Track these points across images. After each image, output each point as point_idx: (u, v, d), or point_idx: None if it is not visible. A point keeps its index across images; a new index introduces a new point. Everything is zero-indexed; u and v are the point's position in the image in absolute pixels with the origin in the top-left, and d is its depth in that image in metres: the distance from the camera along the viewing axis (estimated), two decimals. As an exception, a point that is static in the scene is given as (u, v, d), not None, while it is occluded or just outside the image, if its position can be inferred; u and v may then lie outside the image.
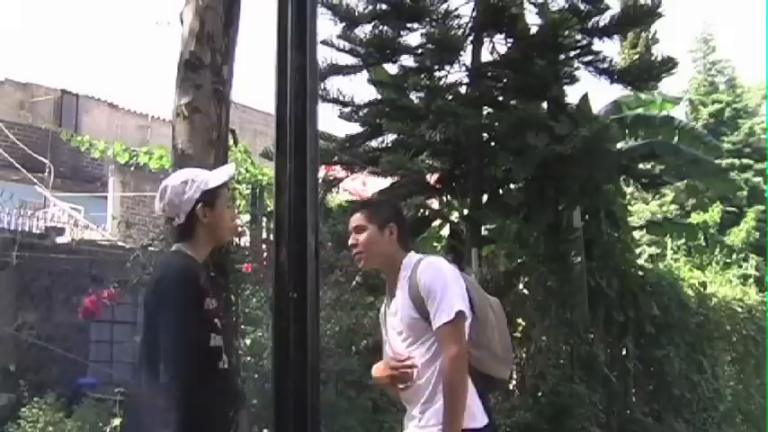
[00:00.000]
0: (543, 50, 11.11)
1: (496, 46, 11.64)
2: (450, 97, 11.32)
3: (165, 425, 3.50)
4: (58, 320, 12.44)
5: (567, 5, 11.24)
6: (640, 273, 13.01)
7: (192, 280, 3.67)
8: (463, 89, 11.65)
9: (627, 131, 13.23)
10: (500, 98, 11.87)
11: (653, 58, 12.35)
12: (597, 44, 11.39)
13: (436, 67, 11.46)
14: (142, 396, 3.76)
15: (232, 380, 4.25)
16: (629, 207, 16.18)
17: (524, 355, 10.62)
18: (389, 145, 11.71)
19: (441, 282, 4.06)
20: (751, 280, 19.58)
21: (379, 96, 12.08)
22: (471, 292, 4.19)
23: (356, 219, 4.42)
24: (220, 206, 3.89)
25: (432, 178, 12.04)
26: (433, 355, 4.05)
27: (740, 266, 20.68)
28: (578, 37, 11.24)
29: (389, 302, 4.35)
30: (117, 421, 6.69)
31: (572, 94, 12.28)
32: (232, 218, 4.18)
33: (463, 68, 11.44)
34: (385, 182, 12.46)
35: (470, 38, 11.35)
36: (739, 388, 15.77)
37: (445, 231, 12.65)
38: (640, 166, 12.92)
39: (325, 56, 11.10)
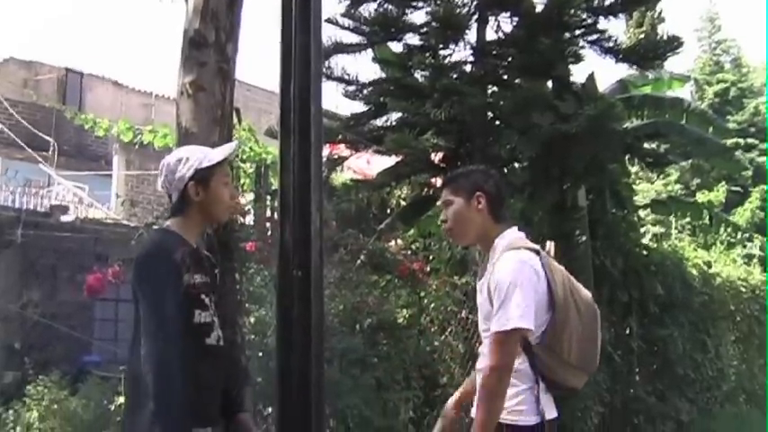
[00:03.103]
0: (548, 29, 11.05)
1: (501, 24, 11.60)
2: (455, 76, 11.31)
3: (146, 400, 3.54)
4: (62, 299, 12.47)
5: (572, -16, 11.19)
6: (645, 252, 13.01)
7: (165, 256, 3.69)
8: (468, 68, 11.62)
9: (634, 111, 13.20)
10: (505, 77, 11.84)
11: (658, 37, 12.31)
12: (602, 23, 11.35)
13: (441, 46, 11.43)
14: (131, 373, 3.81)
15: (227, 357, 4.26)
16: (633, 186, 16.15)
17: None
18: (394, 124, 11.70)
19: (507, 286, 3.76)
20: (755, 260, 19.59)
21: (384, 75, 12.06)
22: (555, 289, 3.84)
23: (444, 193, 4.18)
24: (215, 184, 3.90)
25: (436, 157, 12.02)
26: None
27: (744, 246, 20.70)
28: (584, 15, 11.19)
29: (481, 276, 4.10)
30: (122, 399, 6.69)
31: (577, 74, 12.25)
32: (232, 196, 4.17)
33: (468, 47, 11.41)
34: (389, 160, 12.45)
35: (475, 16, 11.31)
36: (743, 368, 15.80)
37: (450, 210, 12.62)
38: (645, 145, 12.89)
39: (329, 34, 11.09)
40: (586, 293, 4.01)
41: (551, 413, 3.93)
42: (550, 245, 4.00)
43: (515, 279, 3.78)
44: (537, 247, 4.04)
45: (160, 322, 3.58)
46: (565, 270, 4.03)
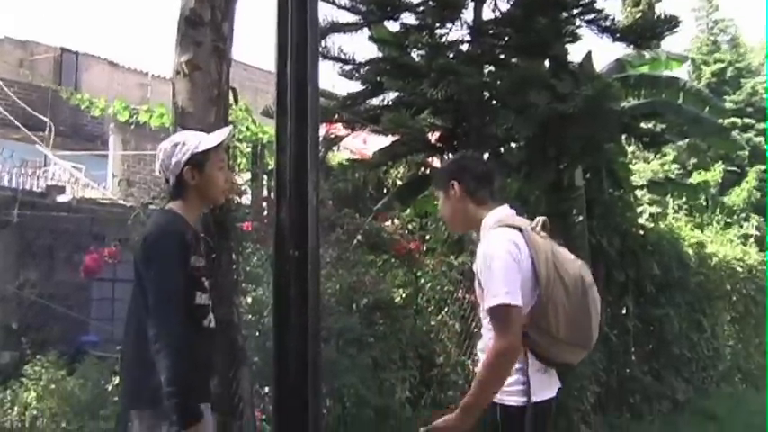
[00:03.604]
0: (545, 8, 11.03)
1: (498, 3, 11.58)
2: (452, 55, 11.29)
3: (154, 379, 3.58)
4: (59, 278, 12.46)
5: (569, -38, 11.17)
6: (641, 232, 13.01)
7: (177, 236, 3.75)
8: (465, 47, 11.60)
9: (631, 91, 13.19)
10: (502, 56, 11.82)
11: (655, 17, 12.27)
12: (600, 2, 11.34)
13: (437, 25, 11.41)
14: (131, 351, 3.83)
15: (220, 338, 4.31)
16: (630, 166, 16.14)
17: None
18: (390, 103, 11.70)
19: (487, 264, 3.82)
20: (751, 240, 19.59)
21: (381, 54, 12.04)
22: (539, 266, 3.82)
23: (433, 191, 4.28)
24: (210, 169, 3.96)
25: (433, 137, 12.02)
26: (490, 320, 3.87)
27: (741, 226, 20.71)
28: (581, -6, 11.18)
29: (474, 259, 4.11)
30: (118, 379, 6.71)
31: (574, 53, 12.23)
32: (226, 180, 4.20)
33: (465, 26, 11.39)
34: (386, 140, 12.44)
35: (472, -5, 11.30)
36: (738, 347, 15.86)
37: (446, 190, 12.62)
38: (642, 125, 12.88)
39: (325, 13, 11.05)
40: (575, 269, 3.96)
41: (546, 393, 3.96)
42: (539, 219, 3.93)
43: (497, 256, 3.81)
44: (522, 223, 4.04)
45: (170, 303, 3.62)
46: (554, 246, 4.01)
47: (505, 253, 3.81)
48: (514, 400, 3.84)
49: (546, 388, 3.96)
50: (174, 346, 3.55)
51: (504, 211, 4.12)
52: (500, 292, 3.73)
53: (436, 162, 12.59)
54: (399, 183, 12.94)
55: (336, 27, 11.38)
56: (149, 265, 3.71)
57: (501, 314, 3.74)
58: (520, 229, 3.96)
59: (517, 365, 3.83)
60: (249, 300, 7.25)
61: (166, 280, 3.66)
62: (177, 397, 3.54)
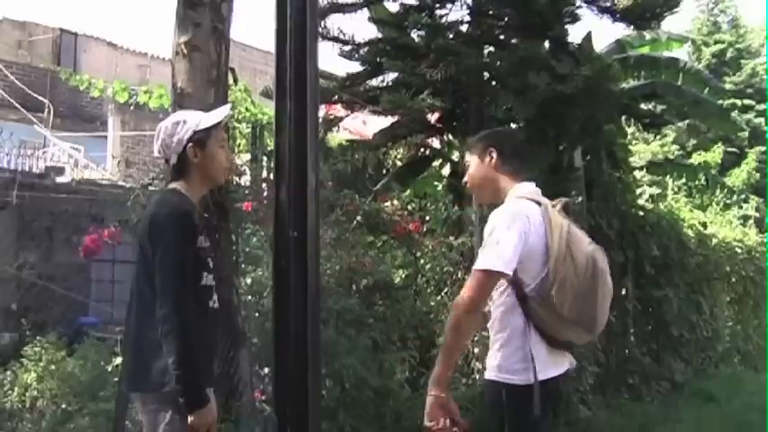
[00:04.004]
0: (545, -12, 11.00)
1: (498, -17, 11.55)
2: (451, 36, 11.26)
3: (160, 362, 3.57)
4: (58, 260, 12.48)
5: (569, -58, 11.13)
6: (641, 213, 13.00)
7: (186, 216, 3.72)
8: (464, 28, 11.57)
9: (631, 72, 13.17)
10: (501, 37, 11.79)
11: (656, -3, 12.24)
12: (600, -18, 11.29)
13: (437, 6, 11.38)
14: (135, 333, 3.81)
15: (223, 319, 4.30)
16: (630, 147, 16.13)
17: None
18: (390, 84, 11.66)
19: (492, 229, 3.87)
20: (751, 221, 19.62)
21: (380, 35, 12.00)
22: (551, 242, 3.85)
23: (466, 155, 4.37)
24: (212, 147, 3.92)
25: (432, 117, 12.00)
26: (500, 293, 3.94)
27: (740, 207, 20.75)
28: (581, -26, 11.15)
29: None
30: (118, 360, 6.72)
31: (574, 34, 12.21)
32: (227, 159, 4.17)
33: (464, 6, 11.37)
34: (385, 121, 12.42)
35: (472, -25, 11.27)
36: (737, 328, 15.89)
37: (446, 171, 12.64)
38: (642, 106, 12.87)
39: (325, -6, 11.02)
40: (588, 250, 3.96)
41: (552, 371, 3.94)
42: (562, 199, 3.96)
43: (502, 224, 3.85)
44: (542, 199, 4.09)
45: (180, 284, 3.60)
46: (570, 225, 4.02)
47: (513, 224, 3.84)
48: (519, 378, 3.84)
49: (551, 366, 3.94)
50: (184, 328, 3.52)
51: (530, 187, 4.16)
52: (491, 256, 3.79)
53: (435, 143, 12.58)
54: (399, 163, 12.93)
55: (336, 7, 11.35)
56: (157, 245, 3.65)
57: (482, 277, 3.80)
58: (539, 204, 4.02)
59: (521, 342, 3.85)
60: (248, 280, 7.25)
61: (176, 260, 3.61)
62: (186, 380, 3.53)
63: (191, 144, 3.85)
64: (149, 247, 3.69)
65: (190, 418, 3.56)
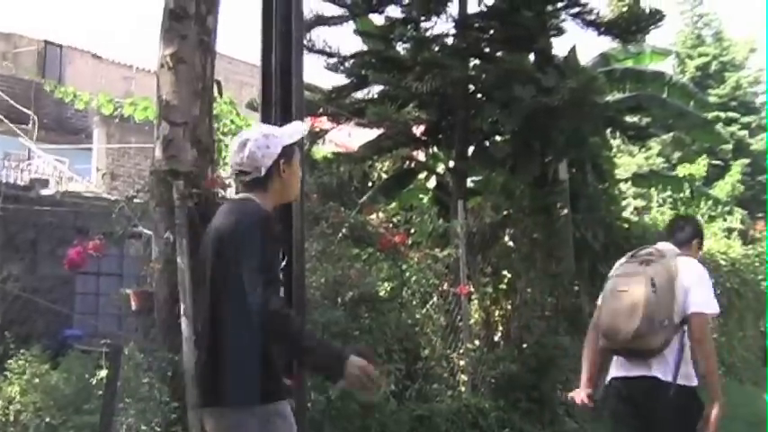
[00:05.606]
0: (530, 2, 11.07)
1: (483, -3, 11.59)
2: (437, 48, 11.31)
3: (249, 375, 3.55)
4: (43, 272, 12.41)
5: (554, -44, 11.19)
6: (626, 225, 13.05)
7: (272, 220, 3.70)
8: (450, 40, 11.62)
9: (616, 84, 13.23)
10: (487, 50, 11.84)
11: (640, 11, 12.31)
12: (585, -4, 11.35)
13: (423, 18, 11.42)
14: (213, 351, 3.67)
15: None
16: (615, 159, 16.18)
17: (509, 306, 10.65)
18: (375, 96, 11.70)
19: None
20: (735, 233, 19.66)
21: (366, 47, 12.03)
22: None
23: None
24: (296, 163, 3.87)
25: (418, 130, 12.03)
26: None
27: (725, 220, 20.74)
28: (566, -12, 11.20)
29: None
30: (103, 373, 6.68)
31: (559, 47, 12.26)
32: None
33: (450, 19, 11.40)
34: (371, 133, 12.43)
35: (457, -12, 11.30)
36: (722, 340, 15.90)
37: (431, 183, 12.66)
38: (627, 118, 12.92)
39: (311, 6, 11.07)
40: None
41: (617, 372, 5.21)
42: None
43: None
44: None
45: (276, 282, 3.56)
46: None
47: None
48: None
49: (619, 366, 5.29)
50: (292, 315, 3.51)
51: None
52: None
53: (421, 155, 12.59)
54: (384, 176, 12.93)
55: (321, 20, 11.39)
56: (248, 250, 3.52)
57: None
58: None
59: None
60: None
61: (270, 260, 3.54)
62: (321, 346, 3.58)
63: (282, 159, 3.80)
64: (232, 254, 3.56)
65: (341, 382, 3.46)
